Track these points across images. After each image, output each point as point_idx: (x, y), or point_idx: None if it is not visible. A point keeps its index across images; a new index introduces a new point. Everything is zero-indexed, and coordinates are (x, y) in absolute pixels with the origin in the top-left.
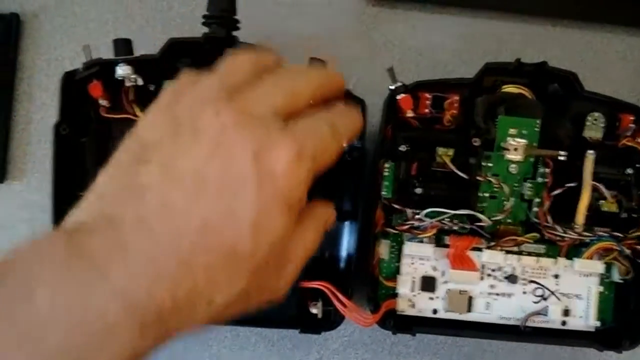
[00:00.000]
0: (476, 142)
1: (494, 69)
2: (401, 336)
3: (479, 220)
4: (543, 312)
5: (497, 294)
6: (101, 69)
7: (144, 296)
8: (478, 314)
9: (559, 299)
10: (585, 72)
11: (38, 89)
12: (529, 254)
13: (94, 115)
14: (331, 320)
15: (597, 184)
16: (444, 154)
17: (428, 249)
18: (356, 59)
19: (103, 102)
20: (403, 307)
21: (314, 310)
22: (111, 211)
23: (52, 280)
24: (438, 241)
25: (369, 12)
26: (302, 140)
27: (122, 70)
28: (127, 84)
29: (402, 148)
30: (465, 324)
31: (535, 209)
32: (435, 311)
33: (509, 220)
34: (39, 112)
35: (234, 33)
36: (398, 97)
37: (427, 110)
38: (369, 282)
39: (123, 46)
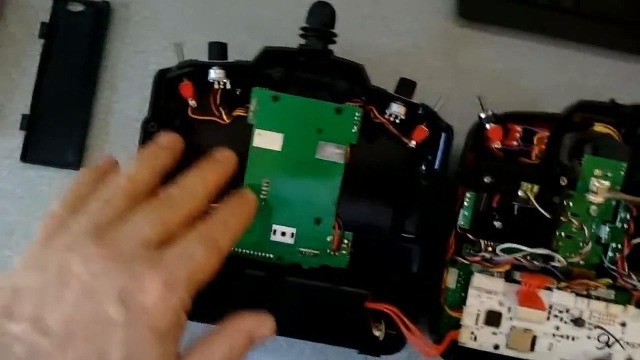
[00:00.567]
0: (563, 181)
1: (587, 106)
2: None
3: (553, 259)
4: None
5: (562, 336)
6: (194, 70)
7: None
8: (540, 355)
9: (623, 347)
10: None
11: (122, 80)
12: (598, 298)
13: (180, 114)
14: (392, 344)
15: None
16: (529, 189)
17: (498, 284)
18: (438, 79)
19: (192, 103)
20: (465, 339)
21: (376, 333)
22: None
23: None
24: (507, 276)
25: (455, 32)
26: (173, 270)
27: (215, 74)
28: (216, 87)
29: (487, 180)
30: None
31: (610, 254)
32: (497, 347)
33: (581, 263)
34: (121, 103)
35: (330, 47)
36: (488, 126)
37: (515, 143)
38: (434, 310)
39: (218, 50)
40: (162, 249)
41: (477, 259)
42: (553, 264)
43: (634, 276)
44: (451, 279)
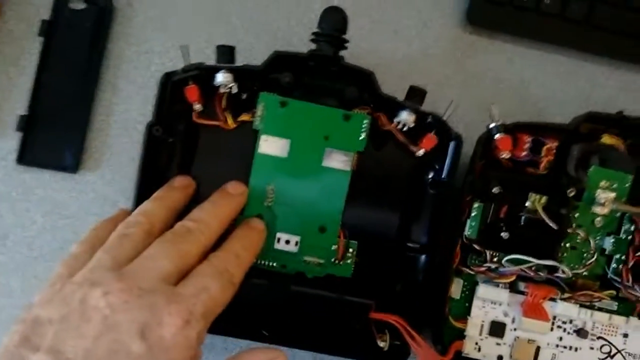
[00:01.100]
0: (571, 192)
1: (595, 118)
2: None
3: (557, 270)
4: None
5: (565, 347)
6: (200, 73)
7: None
8: None
9: (625, 358)
10: None
11: (124, 81)
12: (601, 309)
13: (185, 118)
14: (396, 355)
15: None
16: (537, 200)
17: (503, 295)
18: (447, 86)
19: (197, 107)
20: (469, 349)
21: (380, 343)
22: None
23: None
24: (511, 286)
25: (465, 39)
26: (191, 304)
27: (222, 78)
28: (222, 90)
29: (496, 190)
30: None
31: (614, 265)
32: (500, 357)
33: (585, 273)
34: (122, 104)
35: (340, 53)
36: (496, 136)
37: (524, 153)
38: (438, 320)
39: (226, 53)
40: (180, 282)
41: (483, 269)
42: (557, 274)
43: (637, 287)
44: (455, 289)
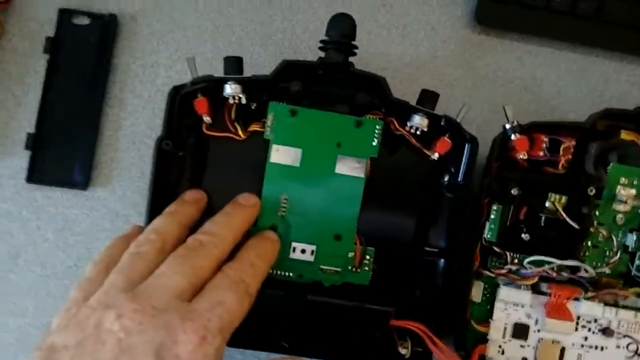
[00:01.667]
0: (591, 190)
1: (612, 114)
2: None
3: (579, 269)
4: None
5: (590, 347)
6: (208, 86)
7: None
8: None
9: None
10: None
11: (130, 95)
12: (625, 307)
13: (195, 130)
14: None
15: None
16: (557, 200)
17: (525, 296)
18: (457, 87)
19: (206, 119)
20: (493, 353)
21: (402, 351)
22: None
23: None
24: (533, 287)
25: (474, 40)
26: (207, 320)
27: (231, 89)
28: (231, 101)
29: (514, 191)
30: None
31: (638, 262)
32: None
33: (608, 271)
34: (130, 119)
35: (355, 60)
36: (512, 137)
37: (541, 153)
38: (460, 325)
39: (234, 64)
40: (195, 298)
41: (504, 271)
42: (580, 274)
43: None
44: (476, 292)
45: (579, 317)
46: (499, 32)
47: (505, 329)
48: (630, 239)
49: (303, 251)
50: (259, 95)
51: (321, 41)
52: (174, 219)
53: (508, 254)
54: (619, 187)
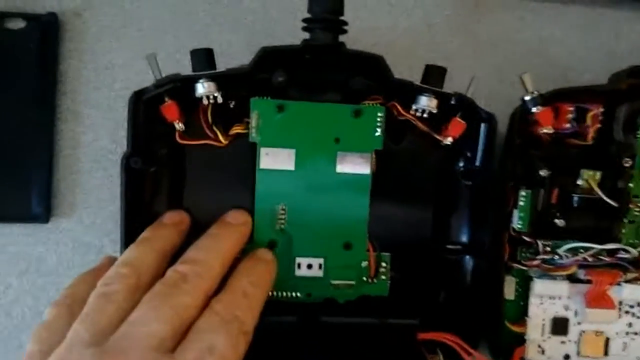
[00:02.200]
0: (627, 162)
1: (638, 72)
2: None
3: (618, 251)
4: None
5: (636, 333)
6: (176, 86)
7: None
8: (615, 357)
9: None
10: None
11: (85, 106)
12: None
13: (166, 141)
14: None
15: None
16: (590, 177)
17: (563, 287)
18: (456, 57)
19: (179, 126)
20: (532, 354)
21: None
22: None
23: None
24: (568, 277)
25: (468, 3)
26: None
27: (203, 88)
28: (205, 102)
29: (544, 173)
30: None
31: None
32: (567, 357)
33: None
34: (89, 133)
35: (341, 38)
36: (534, 109)
37: (567, 125)
38: (494, 328)
39: (204, 58)
40: (179, 347)
41: (536, 262)
42: (619, 255)
43: None
44: (508, 288)
45: (620, 303)
46: None
47: (543, 325)
48: None
49: (310, 266)
50: (237, 92)
51: (304, 20)
52: (149, 246)
53: (539, 242)
54: None
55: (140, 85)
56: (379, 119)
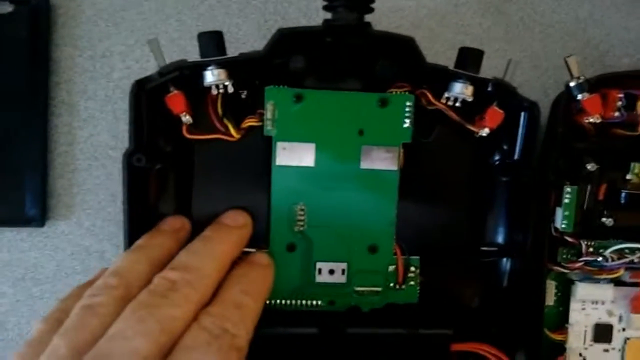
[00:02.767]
0: None
1: None
2: None
3: None
4: None
5: None
6: (182, 74)
7: None
8: None
9: None
10: None
11: (82, 97)
12: None
13: (172, 135)
14: None
15: None
16: None
17: (607, 291)
18: (486, 40)
19: (186, 119)
20: None
21: None
22: None
23: None
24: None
25: None
26: None
27: (213, 76)
28: (214, 92)
29: (591, 167)
30: None
31: None
32: None
33: None
34: (86, 128)
35: (368, 17)
36: (580, 96)
37: (616, 114)
38: (534, 337)
39: (213, 42)
40: None
41: (579, 264)
42: None
43: None
44: (547, 293)
45: None
46: None
47: (585, 332)
48: None
49: (332, 272)
50: (249, 80)
51: None
52: (142, 255)
53: (583, 243)
54: None
55: (142, 74)
56: (407, 109)
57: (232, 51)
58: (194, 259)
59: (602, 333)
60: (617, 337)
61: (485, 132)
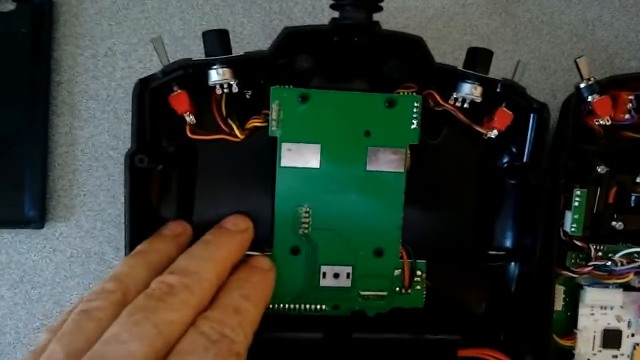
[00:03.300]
0: None
1: None
2: None
3: None
4: None
5: None
6: (186, 73)
7: None
8: None
9: None
10: None
11: (83, 96)
12: None
13: (176, 136)
14: None
15: None
16: None
17: (616, 296)
18: (494, 41)
19: (189, 119)
20: None
21: None
22: None
23: None
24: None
25: None
26: None
27: (218, 75)
28: (218, 91)
29: (601, 169)
30: None
31: None
32: None
33: None
34: (87, 128)
35: (375, 17)
36: (590, 98)
37: (626, 116)
38: (541, 342)
39: (218, 41)
40: None
41: (588, 269)
42: None
43: None
44: (556, 298)
45: None
46: None
47: (594, 338)
48: None
49: (336, 275)
50: (254, 80)
51: None
52: (142, 260)
53: (592, 247)
54: None
55: (144, 74)
56: (415, 110)
57: (236, 51)
58: (192, 263)
59: (611, 339)
60: (626, 343)
61: (493, 133)
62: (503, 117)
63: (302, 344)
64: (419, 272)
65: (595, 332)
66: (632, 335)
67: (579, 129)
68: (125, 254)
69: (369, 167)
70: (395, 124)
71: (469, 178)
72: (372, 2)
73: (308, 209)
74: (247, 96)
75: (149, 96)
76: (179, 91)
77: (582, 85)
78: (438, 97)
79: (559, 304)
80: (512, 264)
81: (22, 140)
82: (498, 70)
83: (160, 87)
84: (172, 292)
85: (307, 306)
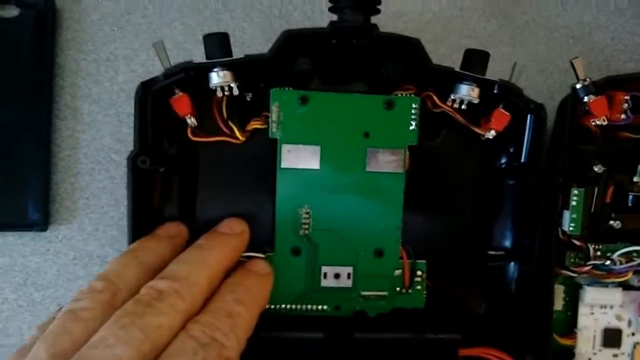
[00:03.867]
0: None
1: None
2: None
3: None
4: None
5: None
6: (188, 76)
7: None
8: None
9: None
10: None
11: (86, 100)
12: None
13: (177, 138)
14: None
15: None
16: None
17: (616, 295)
18: (493, 44)
19: (191, 121)
20: None
21: None
22: None
23: None
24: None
25: None
26: None
27: (219, 78)
28: (219, 94)
29: (598, 169)
30: None
31: None
32: None
33: None
34: (89, 131)
35: (373, 20)
36: (586, 99)
37: (622, 116)
38: (541, 341)
39: (218, 44)
40: None
41: (587, 268)
42: None
43: None
44: (556, 298)
45: None
46: None
47: (594, 337)
48: None
49: (337, 276)
50: (254, 82)
51: (331, 0)
52: (134, 260)
53: (590, 246)
54: None
55: (146, 78)
56: (413, 111)
57: (237, 55)
58: (183, 267)
59: (611, 338)
60: (627, 342)
61: (491, 134)
62: (500, 118)
63: (304, 344)
64: (419, 272)
65: (595, 331)
66: (633, 334)
67: (576, 130)
68: None
69: (369, 168)
70: (394, 125)
71: (467, 178)
72: (370, 5)
73: (308, 210)
74: (248, 98)
75: (151, 99)
76: (180, 94)
77: (578, 86)
78: (436, 99)
79: (559, 304)
80: (512, 263)
81: (26, 144)
82: (496, 73)
83: (162, 90)
84: (161, 297)
85: (309, 306)
